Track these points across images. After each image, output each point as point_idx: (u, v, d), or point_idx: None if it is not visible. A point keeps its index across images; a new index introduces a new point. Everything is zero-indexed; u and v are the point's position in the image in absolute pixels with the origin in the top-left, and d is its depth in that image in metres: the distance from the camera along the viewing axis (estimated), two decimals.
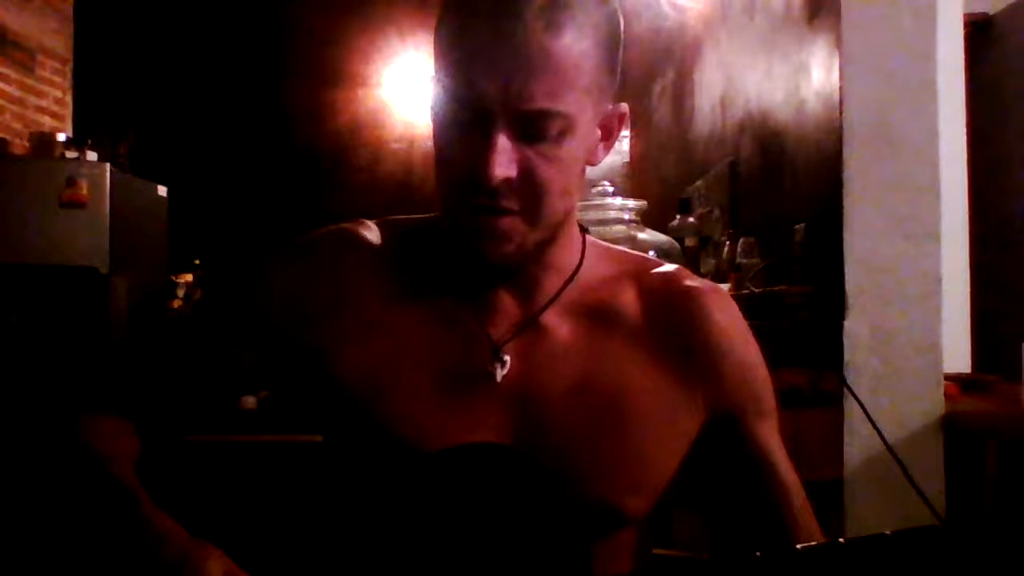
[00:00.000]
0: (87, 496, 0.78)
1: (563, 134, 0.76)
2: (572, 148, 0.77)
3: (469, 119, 0.75)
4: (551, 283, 0.85)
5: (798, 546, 0.47)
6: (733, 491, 0.83)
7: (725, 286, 2.00)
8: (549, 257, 0.84)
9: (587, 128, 0.79)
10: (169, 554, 0.71)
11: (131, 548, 0.72)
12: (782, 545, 0.78)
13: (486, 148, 0.74)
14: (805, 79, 2.00)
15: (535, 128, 0.75)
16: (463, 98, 0.75)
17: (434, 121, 0.80)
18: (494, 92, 0.73)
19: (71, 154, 3.88)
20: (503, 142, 0.74)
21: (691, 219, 2.62)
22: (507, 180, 0.75)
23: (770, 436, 0.85)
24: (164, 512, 0.75)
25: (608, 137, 0.83)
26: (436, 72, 0.78)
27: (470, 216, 0.77)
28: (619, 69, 0.82)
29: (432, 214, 0.92)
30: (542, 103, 0.73)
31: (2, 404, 2.56)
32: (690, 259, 2.47)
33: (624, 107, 0.84)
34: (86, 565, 0.77)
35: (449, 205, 0.81)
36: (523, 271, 0.83)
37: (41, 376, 2.84)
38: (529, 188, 0.76)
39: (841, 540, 0.46)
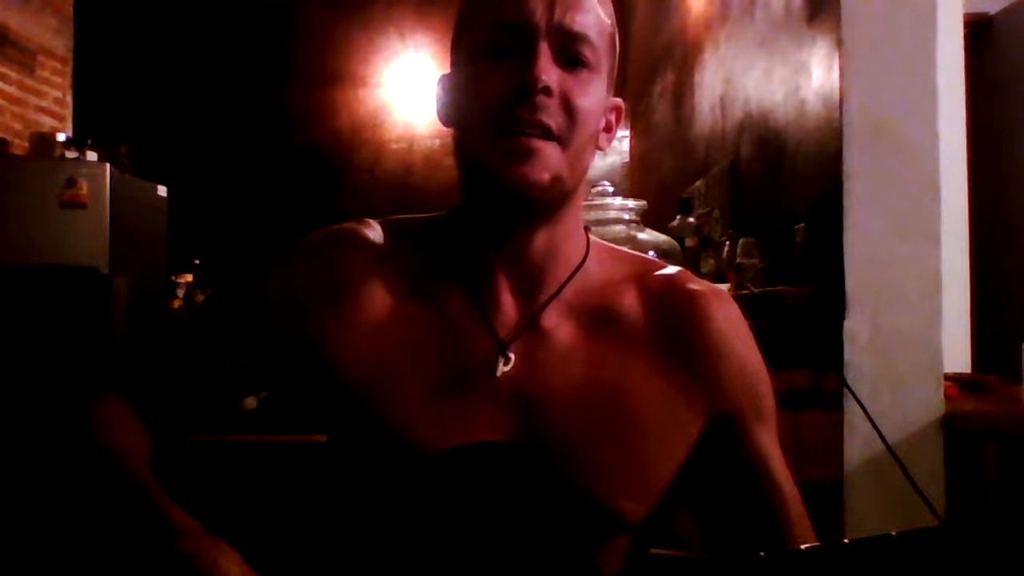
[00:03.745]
0: (103, 490, 0.78)
1: (592, 71, 0.81)
2: (596, 94, 0.82)
3: (509, 43, 0.79)
4: (556, 278, 0.85)
5: (803, 546, 0.47)
6: (730, 496, 0.83)
7: (725, 286, 2.00)
8: (556, 244, 0.84)
9: (603, 92, 0.83)
10: (185, 547, 0.71)
11: (146, 541, 0.72)
12: (779, 549, 0.77)
13: (530, 62, 0.78)
14: (805, 79, 2.00)
15: (573, 51, 0.80)
16: (508, 15, 0.79)
17: (463, 63, 0.83)
18: (541, 9, 0.79)
19: (71, 154, 3.88)
20: (547, 55, 0.78)
21: (691, 219, 2.62)
22: (548, 92, 0.78)
23: (769, 442, 0.84)
24: (179, 507, 0.76)
25: (609, 130, 0.88)
26: (472, 6, 0.84)
27: (506, 138, 0.78)
28: (616, 69, 0.87)
29: (434, 213, 0.92)
30: (582, 27, 0.80)
31: (3, 403, 2.56)
32: (690, 259, 2.47)
33: (620, 101, 0.88)
34: (101, 559, 0.76)
35: (480, 137, 0.80)
36: (531, 258, 0.83)
37: (42, 376, 2.83)
38: (566, 112, 0.79)
39: (846, 541, 0.46)
